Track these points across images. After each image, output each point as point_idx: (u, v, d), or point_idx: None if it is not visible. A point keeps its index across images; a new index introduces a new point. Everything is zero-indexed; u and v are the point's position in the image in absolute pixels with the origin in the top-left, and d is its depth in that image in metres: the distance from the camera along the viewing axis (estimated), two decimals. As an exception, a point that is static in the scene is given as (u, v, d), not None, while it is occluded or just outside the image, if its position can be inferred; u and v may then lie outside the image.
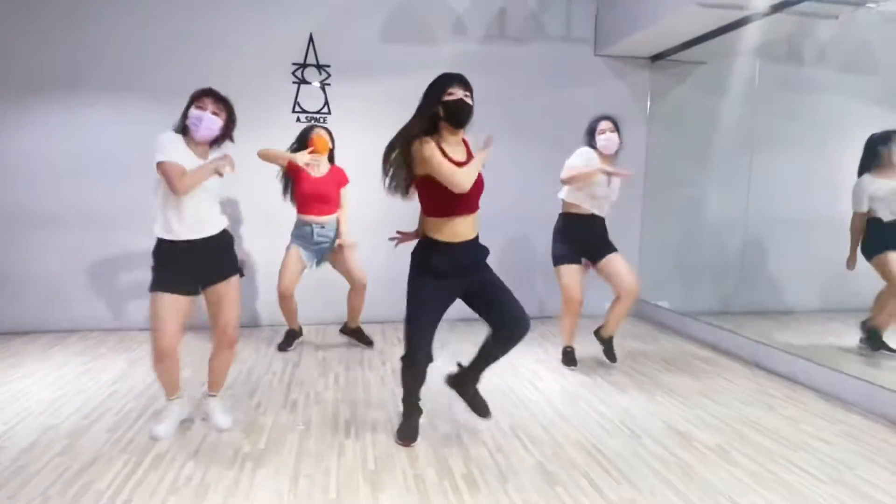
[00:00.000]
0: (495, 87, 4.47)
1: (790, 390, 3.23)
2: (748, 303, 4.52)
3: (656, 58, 4.82)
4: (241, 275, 2.53)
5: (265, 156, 3.40)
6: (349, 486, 2.10)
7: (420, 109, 2.25)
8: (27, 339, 3.96)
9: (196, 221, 2.35)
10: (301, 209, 3.61)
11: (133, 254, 4.16)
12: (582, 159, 3.29)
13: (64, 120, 4.12)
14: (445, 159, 2.20)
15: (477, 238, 2.38)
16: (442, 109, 2.21)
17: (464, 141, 2.37)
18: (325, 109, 4.48)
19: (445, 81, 2.23)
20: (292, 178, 3.60)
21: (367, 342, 3.92)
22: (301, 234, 3.61)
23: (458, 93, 2.20)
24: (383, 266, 4.52)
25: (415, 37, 4.54)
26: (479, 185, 2.31)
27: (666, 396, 3.08)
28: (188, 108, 2.36)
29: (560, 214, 3.47)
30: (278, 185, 3.75)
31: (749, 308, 4.48)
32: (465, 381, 2.54)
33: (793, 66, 4.30)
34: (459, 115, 2.22)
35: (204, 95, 2.37)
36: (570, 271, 3.38)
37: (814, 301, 4.43)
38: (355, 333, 3.95)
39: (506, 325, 2.36)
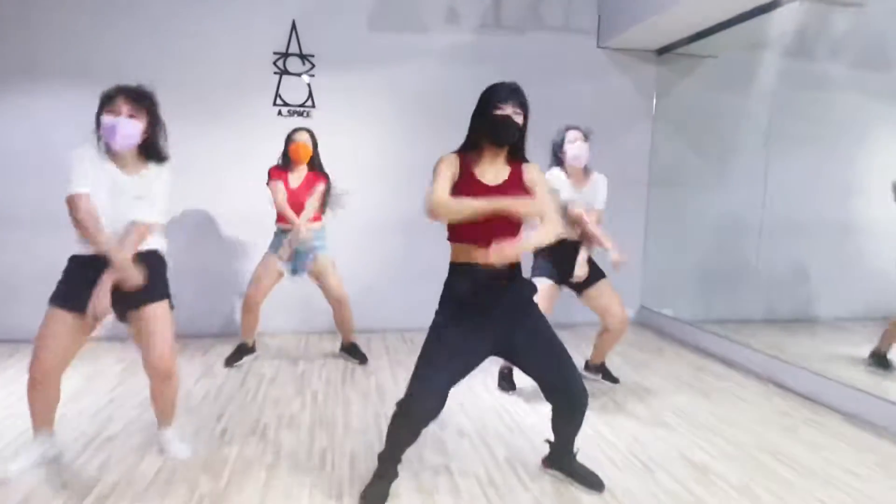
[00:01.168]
0: (490, 81, 4.12)
1: (810, 412, 2.96)
2: (759, 310, 4.27)
3: (663, 51, 4.54)
4: (171, 305, 2.19)
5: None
6: (319, 536, 1.81)
7: (470, 122, 2.00)
8: (-19, 349, 3.65)
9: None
10: (279, 218, 3.36)
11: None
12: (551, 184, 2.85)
13: (23, 112, 3.80)
14: (441, 176, 1.88)
15: (515, 267, 1.97)
16: (486, 124, 1.94)
17: (513, 165, 2.00)
18: (309, 102, 4.18)
19: (495, 95, 1.94)
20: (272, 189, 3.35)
21: (359, 358, 3.60)
22: (279, 244, 3.33)
23: (506, 109, 1.91)
24: (367, 271, 4.24)
25: (405, 25, 4.24)
26: (507, 226, 1.88)
27: (677, 419, 2.80)
28: (99, 113, 2.01)
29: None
30: (257, 185, 3.46)
31: (761, 316, 4.22)
32: (560, 457, 2.20)
33: (807, 61, 4.03)
34: (501, 134, 1.93)
35: (115, 96, 2.01)
36: (543, 286, 2.89)
37: (833, 309, 4.18)
38: (348, 349, 3.64)
39: (560, 395, 2.00)
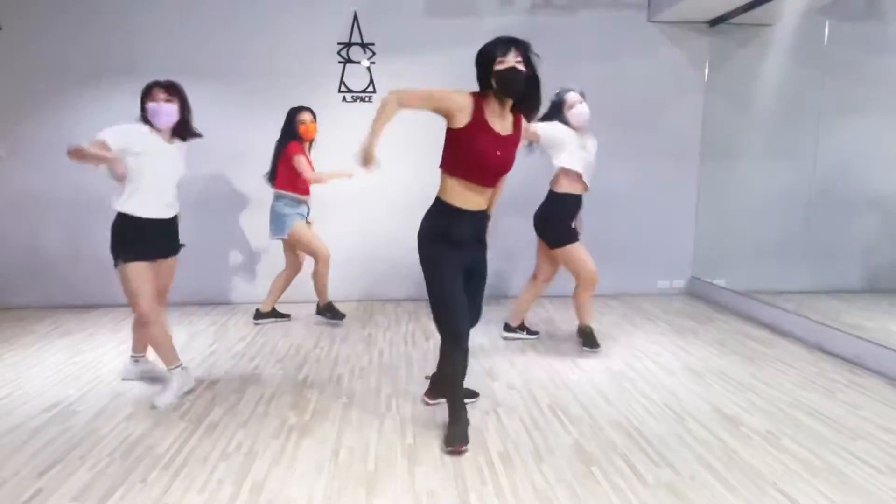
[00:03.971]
0: (542, 61, 4.32)
1: (854, 375, 3.04)
2: (812, 282, 4.26)
3: (715, 22, 4.52)
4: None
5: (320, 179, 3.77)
6: (387, 460, 2.17)
7: (477, 80, 2.17)
8: (100, 312, 4.28)
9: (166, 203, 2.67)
10: (304, 189, 3.80)
11: (194, 232, 4.37)
12: (558, 133, 3.15)
13: (124, 107, 4.34)
14: (435, 92, 2.16)
15: (486, 210, 2.36)
16: (494, 80, 2.09)
17: (516, 116, 2.24)
18: (371, 88, 4.51)
19: (493, 49, 2.09)
20: (291, 163, 3.72)
21: (338, 316, 3.94)
22: (300, 211, 3.82)
23: (508, 60, 2.07)
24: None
25: (459, 10, 4.46)
26: (506, 163, 2.24)
27: (716, 379, 2.97)
28: (143, 105, 2.58)
29: (558, 195, 3.24)
30: (326, 167, 3.84)
31: (813, 287, 4.22)
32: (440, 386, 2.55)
33: (868, 24, 3.92)
34: (510, 86, 2.09)
35: (152, 88, 2.58)
36: (580, 248, 3.25)
37: (886, 281, 4.12)
38: (329, 309, 3.97)
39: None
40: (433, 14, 4.47)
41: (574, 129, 3.17)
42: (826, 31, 3.75)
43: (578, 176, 3.19)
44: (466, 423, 2.30)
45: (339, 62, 4.47)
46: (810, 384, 2.91)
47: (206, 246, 4.39)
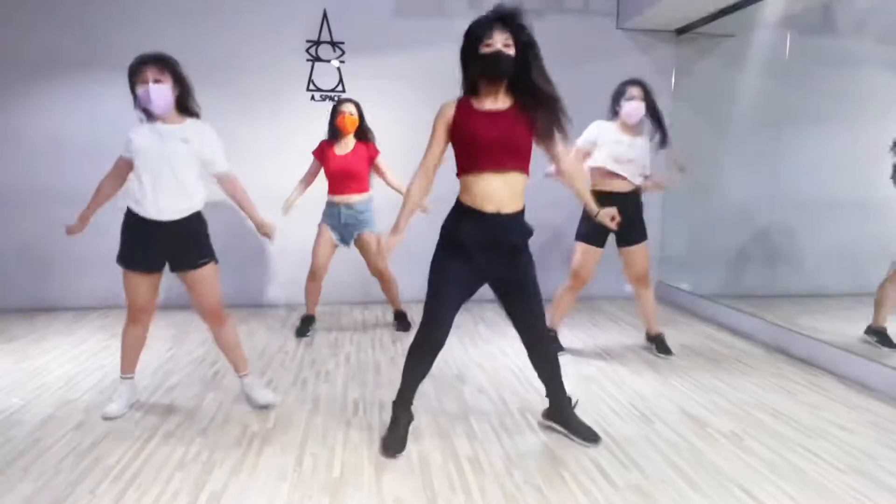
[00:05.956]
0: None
1: (812, 377, 3.12)
2: (772, 286, 4.38)
3: (682, 31, 4.62)
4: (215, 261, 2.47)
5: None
6: (353, 466, 2.10)
7: (462, 68, 2.04)
8: (51, 315, 4.07)
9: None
10: (329, 189, 3.57)
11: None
12: (591, 134, 3.13)
13: (77, 100, 4.16)
14: (433, 138, 2.09)
15: (519, 214, 2.11)
16: (479, 65, 1.97)
17: (517, 99, 2.06)
18: (340, 87, 4.43)
19: (479, 31, 1.95)
20: (319, 159, 3.58)
21: (403, 326, 3.84)
22: (329, 214, 3.59)
23: (495, 43, 1.94)
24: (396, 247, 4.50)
25: (430, 11, 4.44)
26: (506, 138, 2.00)
27: (681, 380, 3.01)
28: (132, 87, 2.28)
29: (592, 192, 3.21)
30: (293, 167, 3.74)
31: (773, 292, 4.33)
32: (557, 410, 2.37)
33: (827, 38, 4.07)
34: (495, 71, 1.96)
35: (139, 66, 2.25)
36: (588, 251, 3.21)
37: (842, 285, 4.26)
38: (395, 316, 3.89)
39: (529, 342, 2.28)
40: (403, 14, 4.43)
41: (621, 121, 3.11)
42: (788, 43, 3.87)
43: (611, 173, 3.11)
44: (405, 429, 2.23)
45: (308, 60, 4.39)
46: (772, 385, 2.97)
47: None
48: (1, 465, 2.06)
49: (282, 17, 4.30)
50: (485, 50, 1.95)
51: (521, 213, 2.13)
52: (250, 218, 2.54)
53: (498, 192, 2.03)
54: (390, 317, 4.09)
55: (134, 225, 2.34)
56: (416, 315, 4.24)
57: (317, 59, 4.39)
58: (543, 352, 2.32)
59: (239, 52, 4.27)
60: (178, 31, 4.17)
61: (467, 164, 2.06)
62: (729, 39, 4.48)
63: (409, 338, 3.61)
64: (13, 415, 2.47)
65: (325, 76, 4.41)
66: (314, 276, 3.63)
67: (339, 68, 4.41)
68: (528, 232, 2.15)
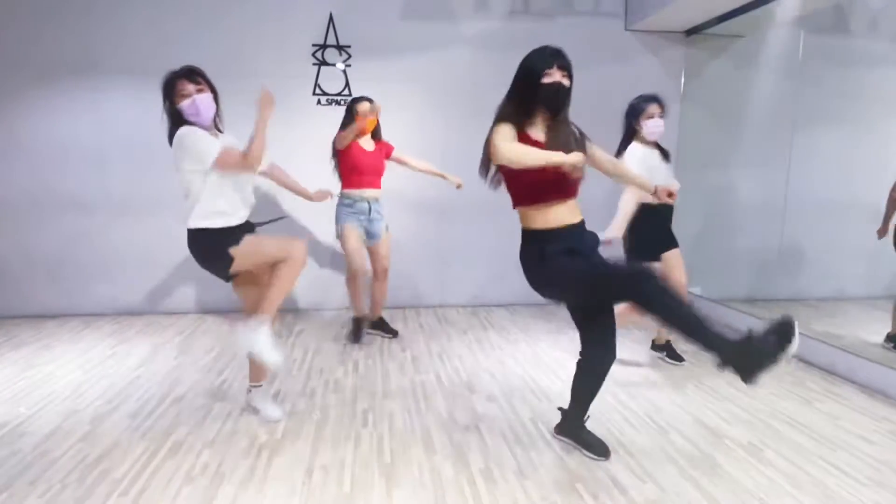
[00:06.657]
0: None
1: (829, 384, 3.06)
2: (786, 290, 4.32)
3: (691, 32, 4.56)
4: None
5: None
6: (364, 480, 2.06)
7: (513, 92, 2.05)
8: (58, 321, 4.06)
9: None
10: (357, 184, 3.51)
11: (159, 239, 4.20)
12: (643, 165, 2.95)
13: (85, 106, 4.14)
14: (503, 131, 1.97)
15: (583, 223, 2.13)
16: (536, 93, 1.99)
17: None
18: (346, 91, 4.40)
19: (541, 62, 1.98)
20: (341, 153, 3.51)
21: (391, 332, 3.81)
22: (358, 211, 3.52)
23: (555, 74, 1.98)
24: (401, 251, 4.47)
25: (436, 14, 4.40)
26: (568, 180, 2.03)
27: (696, 389, 2.95)
28: (170, 104, 2.23)
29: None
30: (300, 169, 3.70)
31: (787, 295, 4.27)
32: (571, 425, 2.33)
33: (840, 38, 4.01)
34: (553, 101, 2.00)
35: (175, 81, 2.22)
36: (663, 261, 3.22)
37: (858, 289, 4.20)
38: (378, 325, 3.83)
39: (597, 349, 2.21)
40: (408, 18, 4.39)
41: (643, 140, 3.04)
42: (801, 43, 3.81)
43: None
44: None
45: (314, 64, 4.36)
46: (788, 393, 2.91)
47: (161, 253, 4.23)
48: (8, 479, 2.03)
49: (288, 22, 4.28)
50: (545, 81, 1.98)
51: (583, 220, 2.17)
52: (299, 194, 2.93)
53: (567, 213, 2.09)
54: (399, 324, 4.06)
55: (224, 240, 2.32)
56: (422, 321, 4.29)
57: (323, 62, 4.36)
58: (603, 364, 2.23)
59: (245, 57, 4.24)
60: (183, 37, 4.15)
61: (533, 196, 2.06)
62: (739, 40, 4.42)
63: (416, 345, 3.60)
64: (20, 425, 2.45)
65: (332, 80, 4.38)
66: (358, 276, 3.55)
67: (345, 72, 4.38)
68: (597, 239, 2.18)
